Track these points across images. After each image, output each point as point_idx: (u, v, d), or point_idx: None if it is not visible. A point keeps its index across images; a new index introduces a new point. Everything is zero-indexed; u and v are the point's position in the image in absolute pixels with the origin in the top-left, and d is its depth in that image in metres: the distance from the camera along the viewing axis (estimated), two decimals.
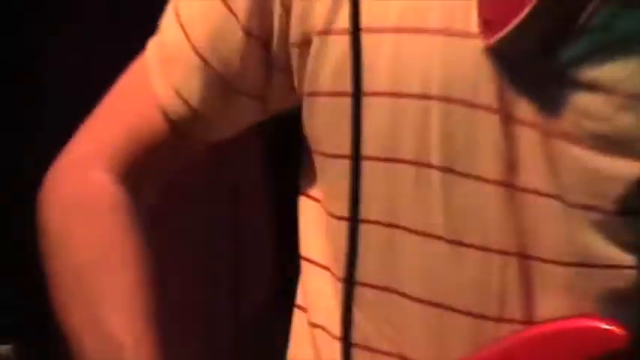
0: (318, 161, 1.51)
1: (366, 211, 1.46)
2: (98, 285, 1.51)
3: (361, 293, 1.48)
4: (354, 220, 1.46)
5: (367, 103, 1.42)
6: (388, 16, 1.41)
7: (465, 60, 1.40)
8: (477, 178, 1.41)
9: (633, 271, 1.43)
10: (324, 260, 1.55)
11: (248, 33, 1.48)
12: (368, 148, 1.43)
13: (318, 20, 1.43)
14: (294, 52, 1.48)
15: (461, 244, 1.42)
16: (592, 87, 1.35)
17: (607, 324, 1.51)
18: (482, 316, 1.47)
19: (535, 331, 1.58)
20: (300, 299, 1.61)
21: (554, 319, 1.52)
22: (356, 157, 1.44)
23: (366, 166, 1.44)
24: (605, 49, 1.36)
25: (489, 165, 1.40)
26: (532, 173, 1.39)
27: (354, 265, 1.47)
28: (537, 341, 1.59)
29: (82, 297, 1.52)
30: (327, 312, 1.54)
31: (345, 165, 1.44)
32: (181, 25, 1.53)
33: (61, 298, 1.54)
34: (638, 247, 1.44)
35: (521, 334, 1.58)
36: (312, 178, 1.56)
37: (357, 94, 1.43)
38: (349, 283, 1.48)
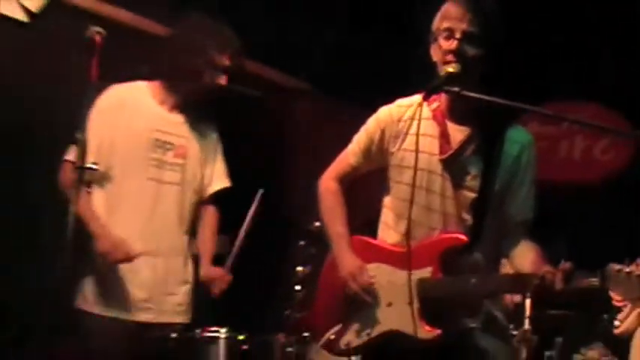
0: None
1: None
2: (334, 218, 4.20)
3: None
4: None
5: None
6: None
7: (435, 164, 3.89)
8: None
9: None
10: None
11: None
12: None
13: None
14: None
15: None
16: None
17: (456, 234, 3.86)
18: (431, 228, 3.90)
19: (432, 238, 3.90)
20: None
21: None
22: None
23: None
24: None
25: None
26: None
27: None
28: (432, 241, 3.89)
29: (329, 220, 4.22)
30: None
31: None
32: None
33: (323, 220, 4.25)
34: None
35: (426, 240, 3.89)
36: None
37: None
38: None
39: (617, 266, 3.41)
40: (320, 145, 6.54)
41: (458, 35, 3.79)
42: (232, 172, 5.09)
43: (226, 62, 4.84)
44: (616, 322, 5.58)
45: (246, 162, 6.27)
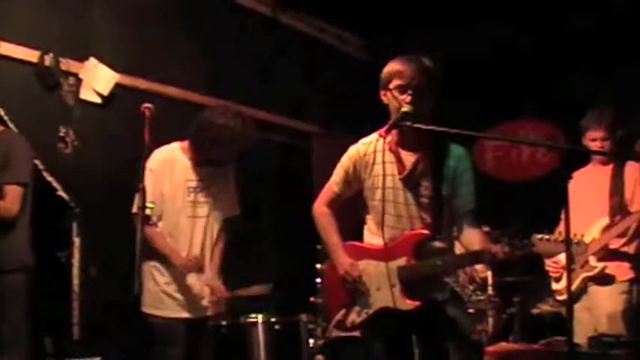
0: None
1: None
2: (329, 233, 4.21)
3: None
4: None
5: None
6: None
7: (397, 182, 4.00)
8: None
9: None
10: None
11: None
12: None
13: None
14: None
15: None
16: None
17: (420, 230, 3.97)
18: (402, 229, 4.00)
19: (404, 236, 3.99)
20: None
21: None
22: None
23: None
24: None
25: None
26: None
27: None
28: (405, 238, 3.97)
29: (325, 235, 4.22)
30: None
31: None
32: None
33: (321, 236, 4.24)
34: None
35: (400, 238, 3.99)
36: None
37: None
38: None
39: (539, 235, 3.63)
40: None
41: (410, 91, 3.91)
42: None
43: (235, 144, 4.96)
44: (554, 287, 5.61)
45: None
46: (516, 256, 3.73)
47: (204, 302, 4.96)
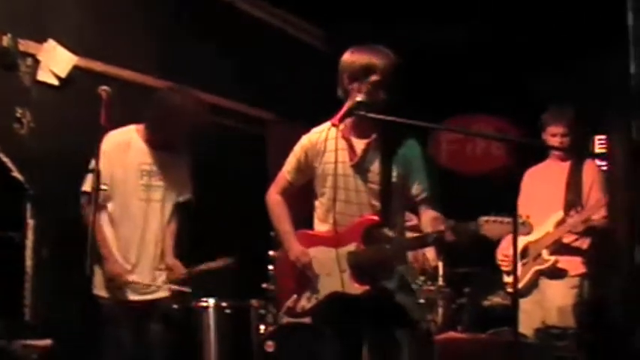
0: None
1: None
2: (281, 221, 4.27)
3: None
4: None
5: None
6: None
7: (347, 169, 4.08)
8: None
9: None
10: None
11: None
12: None
13: None
14: None
15: None
16: None
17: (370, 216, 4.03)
18: (352, 215, 4.04)
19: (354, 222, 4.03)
20: None
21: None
22: None
23: None
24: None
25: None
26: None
27: None
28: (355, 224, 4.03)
29: (278, 223, 4.28)
30: None
31: None
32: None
33: (274, 224, 4.29)
34: None
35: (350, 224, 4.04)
36: None
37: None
38: None
39: (485, 217, 3.66)
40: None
41: (386, 86, 3.99)
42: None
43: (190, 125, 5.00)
44: (506, 279, 5.69)
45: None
46: (463, 237, 3.77)
47: (157, 284, 4.98)
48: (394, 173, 4.05)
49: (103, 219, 4.89)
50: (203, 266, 5.12)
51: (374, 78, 3.97)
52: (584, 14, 6.91)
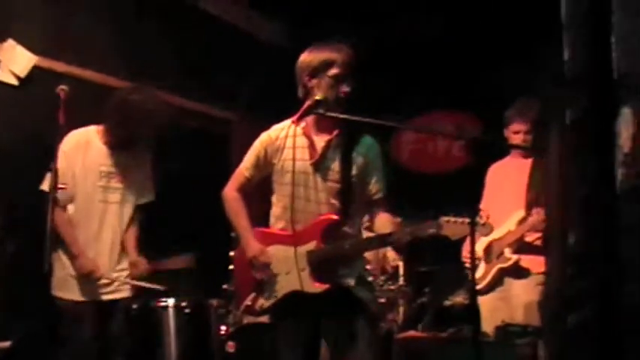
0: None
1: None
2: (239, 218, 4.25)
3: None
4: None
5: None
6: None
7: (307, 167, 4.06)
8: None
9: None
10: None
11: None
12: None
13: None
14: None
15: None
16: None
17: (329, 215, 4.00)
18: (310, 213, 4.04)
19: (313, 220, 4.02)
20: None
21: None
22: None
23: None
24: None
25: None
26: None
27: None
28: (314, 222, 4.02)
29: (235, 220, 4.25)
30: None
31: None
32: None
33: (231, 221, 4.25)
34: None
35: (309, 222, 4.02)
36: None
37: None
38: None
39: (445, 217, 3.69)
40: None
41: (348, 80, 4.01)
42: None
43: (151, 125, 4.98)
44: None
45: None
46: (422, 237, 3.79)
47: (115, 285, 4.98)
48: (354, 172, 4.07)
49: (67, 218, 4.87)
50: (167, 262, 5.12)
51: (333, 72, 3.99)
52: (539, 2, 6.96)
